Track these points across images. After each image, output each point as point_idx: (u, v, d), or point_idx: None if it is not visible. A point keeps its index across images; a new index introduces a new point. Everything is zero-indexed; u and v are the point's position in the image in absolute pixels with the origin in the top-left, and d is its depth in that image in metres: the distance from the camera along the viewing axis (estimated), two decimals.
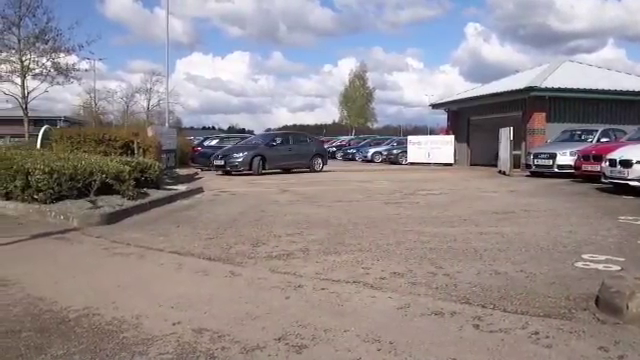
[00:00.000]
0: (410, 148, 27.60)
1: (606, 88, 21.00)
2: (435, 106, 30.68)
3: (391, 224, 7.05)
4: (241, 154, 18.58)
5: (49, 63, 20.20)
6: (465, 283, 4.11)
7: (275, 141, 20.21)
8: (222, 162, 18.63)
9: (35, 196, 7.63)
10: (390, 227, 6.80)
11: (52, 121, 33.15)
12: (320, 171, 20.41)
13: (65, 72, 20.90)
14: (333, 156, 36.64)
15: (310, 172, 19.90)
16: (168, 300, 3.71)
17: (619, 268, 4.50)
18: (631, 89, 21.44)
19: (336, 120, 69.29)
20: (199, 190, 11.68)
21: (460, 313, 3.41)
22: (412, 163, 26.65)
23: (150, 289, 4.06)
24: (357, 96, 64.07)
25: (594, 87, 20.87)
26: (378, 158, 30.77)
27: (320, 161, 21.07)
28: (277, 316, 3.37)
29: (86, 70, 23.28)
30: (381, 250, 5.37)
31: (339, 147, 38.71)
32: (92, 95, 52.75)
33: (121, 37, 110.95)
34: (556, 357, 2.74)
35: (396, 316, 3.39)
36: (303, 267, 4.67)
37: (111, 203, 7.87)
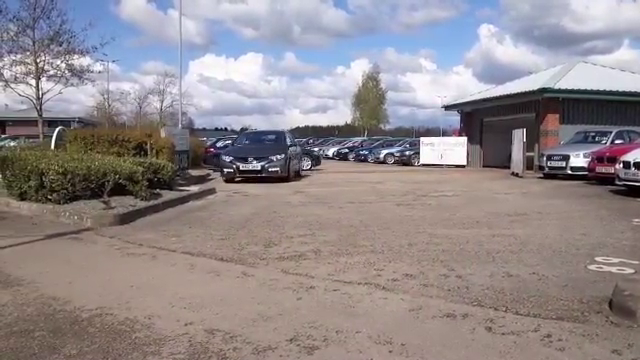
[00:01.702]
0: (423, 149, 27.49)
1: (620, 89, 20.78)
2: (448, 107, 30.57)
3: (403, 226, 7.03)
4: (276, 157, 15.36)
5: (63, 65, 20.34)
6: (477, 285, 4.09)
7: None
8: (258, 166, 14.94)
9: (49, 196, 7.72)
10: (402, 229, 6.78)
11: (66, 122, 33.40)
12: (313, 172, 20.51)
13: (79, 74, 21.04)
14: (345, 157, 36.61)
15: (318, 173, 19.89)
16: (180, 300, 3.73)
17: (633, 271, 4.46)
18: None
19: (348, 121, 69.28)
20: (211, 191, 11.73)
21: (472, 315, 3.40)
22: (424, 164, 26.53)
23: (162, 289, 4.08)
24: (370, 97, 63.98)
25: (608, 88, 20.65)
26: (390, 159, 30.66)
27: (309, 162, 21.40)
28: (289, 317, 3.38)
29: (100, 72, 23.43)
30: (393, 252, 5.35)
31: (351, 148, 38.64)
32: (106, 96, 53.15)
33: (135, 39, 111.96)
34: None
35: (408, 318, 3.38)
36: (315, 268, 4.67)
37: (124, 204, 7.92)
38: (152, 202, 8.53)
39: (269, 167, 14.96)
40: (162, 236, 6.33)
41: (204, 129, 72.65)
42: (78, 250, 5.66)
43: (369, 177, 18.26)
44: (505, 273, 4.46)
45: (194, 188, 11.74)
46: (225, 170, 15.30)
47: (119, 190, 8.30)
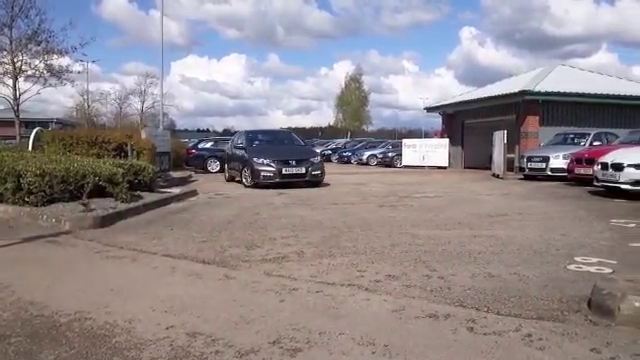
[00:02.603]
0: (405, 151, 27.63)
1: (598, 92, 21.11)
2: (430, 109, 30.80)
3: (386, 227, 7.04)
4: (316, 159, 14.53)
5: (42, 65, 20.10)
6: (459, 286, 4.11)
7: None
8: (302, 170, 13.75)
9: (26, 199, 7.58)
10: (385, 230, 6.79)
11: (44, 123, 33.00)
12: None
13: (58, 74, 20.81)
14: (329, 159, 36.67)
15: None
16: (161, 304, 3.69)
17: (611, 270, 4.52)
18: (623, 93, 21.57)
19: (332, 123, 69.17)
20: (193, 193, 11.65)
21: (454, 316, 3.41)
22: (407, 166, 26.66)
23: (143, 293, 4.03)
24: (352, 99, 64.05)
25: (587, 91, 20.97)
26: (373, 161, 30.78)
27: None
28: (271, 319, 3.36)
29: (79, 72, 23.22)
30: (376, 253, 5.36)
31: (335, 150, 38.68)
32: (85, 97, 52.61)
33: (116, 39, 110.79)
34: (549, 359, 2.75)
35: (391, 319, 3.38)
36: (298, 270, 4.66)
37: (104, 206, 7.82)
38: (133, 204, 8.43)
39: (312, 170, 13.90)
40: (143, 239, 6.26)
41: (186, 130, 72.29)
42: (56, 253, 5.57)
43: (352, 178, 18.27)
44: (486, 273, 4.49)
45: (175, 190, 11.65)
46: (261, 174, 13.56)
47: (99, 192, 8.20)
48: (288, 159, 13.91)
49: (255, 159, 13.88)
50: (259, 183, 13.57)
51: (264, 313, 3.48)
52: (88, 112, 53.44)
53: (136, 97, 58.16)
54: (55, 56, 20.32)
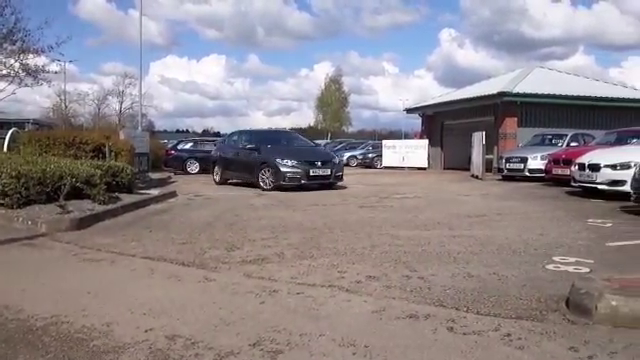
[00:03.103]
0: (385, 152, 27.76)
1: (575, 94, 21.48)
2: (409, 110, 31.03)
3: (366, 228, 7.06)
4: (337, 160, 14.37)
5: (17, 64, 19.71)
6: (439, 286, 4.13)
7: None
8: (328, 172, 13.25)
9: (1, 201, 7.45)
10: (365, 231, 6.81)
11: (20, 124, 32.38)
12: None
13: (34, 74, 20.42)
14: None
15: None
16: (140, 306, 3.64)
17: (588, 270, 4.59)
18: (599, 95, 21.99)
19: (312, 124, 69.10)
20: (172, 194, 11.55)
21: (434, 316, 3.43)
22: (387, 167, 26.78)
23: (121, 296, 3.98)
24: (333, 100, 64.15)
25: (564, 92, 21.33)
26: (353, 162, 30.86)
27: None
28: (252, 321, 3.34)
29: (56, 72, 22.82)
30: (356, 254, 5.37)
31: None
32: (62, 97, 51.85)
33: (94, 38, 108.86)
34: (528, 358, 2.78)
35: (371, 320, 3.39)
36: (278, 272, 4.64)
37: (82, 208, 7.71)
38: (111, 206, 8.33)
39: (336, 172, 13.49)
40: (121, 241, 6.18)
41: (165, 131, 71.58)
42: (32, 256, 5.47)
43: None
44: (466, 273, 4.52)
45: (154, 191, 11.53)
46: (287, 176, 12.85)
47: (76, 194, 8.07)
48: (314, 160, 13.31)
49: (279, 160, 13.04)
50: (283, 186, 12.78)
51: (244, 315, 3.46)
52: (65, 113, 52.65)
53: (114, 98, 57.55)
54: (31, 55, 19.94)
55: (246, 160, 14.26)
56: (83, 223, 7.06)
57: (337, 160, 14.07)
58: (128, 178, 10.25)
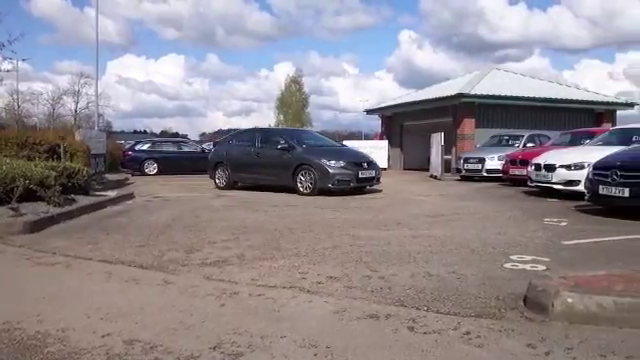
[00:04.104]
0: None
1: (531, 95, 22.07)
2: (369, 112, 31.30)
3: (327, 228, 7.07)
4: (373, 160, 13.38)
5: None
6: (399, 286, 4.16)
7: None
8: (373, 173, 12.64)
9: None
10: (326, 231, 6.82)
11: None
12: None
13: None
14: None
15: None
16: (97, 311, 3.55)
17: (545, 268, 4.70)
18: (555, 96, 22.67)
19: (272, 125, 68.92)
20: (130, 196, 11.33)
21: (395, 316, 3.45)
22: None
23: (77, 300, 3.87)
24: (293, 101, 64.02)
25: (520, 94, 21.88)
26: None
27: None
28: (212, 324, 3.30)
29: (8, 70, 22.04)
30: (317, 254, 5.37)
31: None
32: (15, 97, 50.26)
33: (48, 36, 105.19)
34: (487, 356, 2.82)
35: (332, 320, 3.39)
36: (239, 273, 4.60)
37: (35, 210, 7.49)
38: (66, 208, 8.11)
39: (378, 174, 12.86)
40: (77, 244, 6.02)
41: (122, 132, 70.10)
42: None
43: None
44: (426, 273, 4.58)
45: (111, 193, 11.30)
46: (337, 178, 11.82)
47: (30, 196, 7.83)
48: (360, 162, 12.55)
49: (325, 161, 11.94)
50: (330, 190, 11.80)
51: (204, 318, 3.42)
52: (18, 113, 51.08)
53: (70, 97, 56.15)
54: None
55: (272, 161, 12.90)
56: (37, 226, 6.85)
57: (375, 161, 13.32)
58: (84, 179, 10.03)
